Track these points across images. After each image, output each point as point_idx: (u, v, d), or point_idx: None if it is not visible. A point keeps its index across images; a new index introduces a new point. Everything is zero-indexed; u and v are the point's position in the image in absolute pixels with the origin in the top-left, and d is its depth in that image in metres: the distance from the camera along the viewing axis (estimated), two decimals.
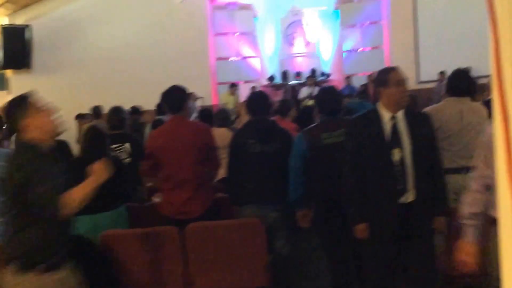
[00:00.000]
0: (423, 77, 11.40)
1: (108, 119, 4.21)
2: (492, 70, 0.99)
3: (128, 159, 3.84)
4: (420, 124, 2.61)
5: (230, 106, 9.84)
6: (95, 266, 2.57)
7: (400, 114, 2.58)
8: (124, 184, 3.16)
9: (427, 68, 11.25)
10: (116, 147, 3.82)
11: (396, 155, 2.50)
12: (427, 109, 3.32)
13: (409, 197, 2.51)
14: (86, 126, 3.54)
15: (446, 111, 3.22)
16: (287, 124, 4.41)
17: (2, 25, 10.64)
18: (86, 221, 2.92)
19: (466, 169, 2.99)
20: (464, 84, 3.30)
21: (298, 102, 10.42)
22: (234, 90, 10.75)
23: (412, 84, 10.89)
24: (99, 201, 2.89)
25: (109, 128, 4.06)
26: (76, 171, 3.11)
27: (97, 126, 3.36)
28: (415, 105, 4.13)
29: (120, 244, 2.86)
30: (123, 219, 3.16)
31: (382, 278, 2.59)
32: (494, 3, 0.97)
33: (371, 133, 2.57)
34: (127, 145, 3.93)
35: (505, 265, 0.99)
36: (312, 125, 3.26)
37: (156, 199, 3.85)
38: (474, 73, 8.26)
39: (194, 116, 9.40)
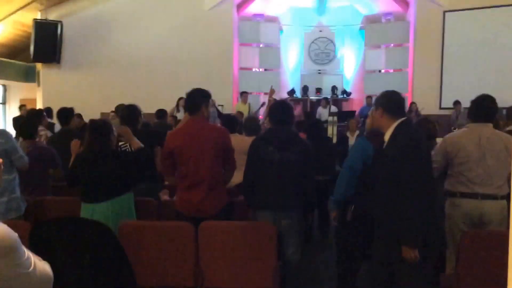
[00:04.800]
0: (445, 104, 11.33)
1: (120, 117, 4.25)
2: None
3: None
4: None
5: (245, 114, 9.84)
6: (112, 253, 2.63)
7: None
8: (125, 175, 3.22)
9: (449, 95, 11.16)
10: (122, 145, 3.83)
11: None
12: (447, 137, 3.34)
13: None
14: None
15: (465, 136, 3.19)
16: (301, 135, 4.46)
17: (35, 19, 10.91)
18: (88, 209, 3.10)
19: (481, 196, 3.06)
20: (484, 110, 3.22)
21: (312, 117, 10.51)
22: (246, 99, 10.60)
23: (434, 110, 10.91)
24: (98, 192, 3.10)
25: (121, 124, 4.08)
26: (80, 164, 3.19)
27: (97, 120, 3.45)
28: (435, 130, 4.12)
29: (138, 234, 2.95)
30: (120, 210, 3.19)
31: None
32: None
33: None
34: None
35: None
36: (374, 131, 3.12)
37: (164, 196, 3.92)
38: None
39: (213, 122, 9.45)
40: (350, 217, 3.17)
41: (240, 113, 9.11)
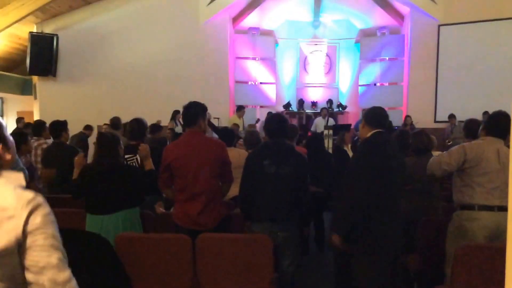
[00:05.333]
0: (439, 117, 11.41)
1: (128, 129, 4.27)
2: None
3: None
4: None
5: (240, 128, 9.80)
6: (110, 265, 2.62)
7: None
8: (133, 190, 3.26)
9: (444, 109, 11.26)
10: (129, 157, 3.87)
11: None
12: (468, 144, 3.33)
13: None
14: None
15: (486, 148, 3.21)
16: (300, 149, 4.50)
17: (30, 32, 10.92)
18: (97, 221, 3.16)
19: (498, 208, 3.10)
20: (503, 127, 3.25)
21: (307, 130, 10.59)
22: (242, 113, 10.54)
23: (429, 123, 10.97)
24: (108, 203, 3.13)
25: (128, 138, 4.10)
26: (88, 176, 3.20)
27: (106, 133, 3.51)
28: (430, 143, 4.16)
29: (135, 246, 2.97)
30: (130, 222, 3.24)
31: None
32: None
33: None
34: (138, 156, 3.93)
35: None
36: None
37: (160, 208, 3.92)
38: None
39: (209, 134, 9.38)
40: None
41: (236, 125, 9.09)
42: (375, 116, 3.01)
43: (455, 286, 2.78)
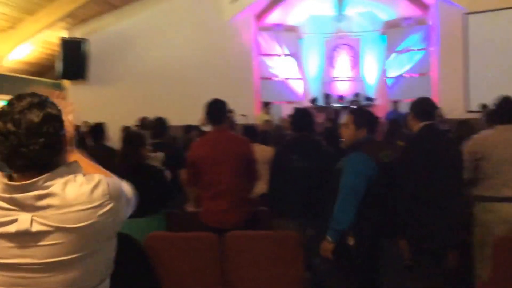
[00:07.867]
0: (473, 107, 11.06)
1: (150, 128, 4.33)
2: None
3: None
4: None
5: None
6: (140, 266, 2.61)
7: None
8: (160, 192, 3.17)
9: (477, 98, 10.90)
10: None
11: None
12: (476, 136, 3.31)
13: None
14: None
15: (497, 138, 3.13)
16: None
17: (62, 37, 11.25)
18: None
19: None
20: (509, 111, 3.20)
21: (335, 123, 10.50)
22: (268, 109, 10.60)
23: (461, 113, 10.71)
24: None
25: (150, 137, 4.17)
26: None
27: (133, 130, 3.46)
28: (471, 132, 4.07)
29: (164, 246, 2.92)
30: (159, 225, 3.18)
31: None
32: None
33: None
34: (159, 154, 3.89)
35: None
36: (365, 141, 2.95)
37: (189, 208, 3.91)
38: None
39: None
40: (353, 241, 2.84)
41: (269, 122, 9.17)
42: (422, 107, 3.01)
43: (496, 279, 2.71)
